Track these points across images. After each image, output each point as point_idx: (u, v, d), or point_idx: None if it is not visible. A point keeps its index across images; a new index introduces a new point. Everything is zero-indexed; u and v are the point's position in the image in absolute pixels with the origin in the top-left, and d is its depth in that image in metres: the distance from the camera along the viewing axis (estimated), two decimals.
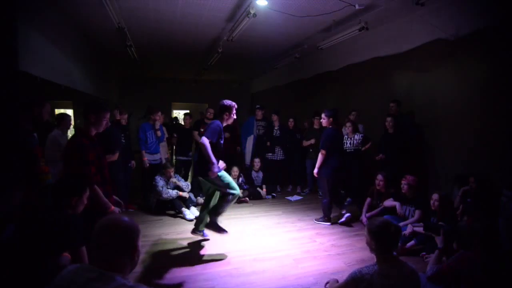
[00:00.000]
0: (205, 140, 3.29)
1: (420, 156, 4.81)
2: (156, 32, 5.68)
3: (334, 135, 4.48)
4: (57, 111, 8.00)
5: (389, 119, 4.80)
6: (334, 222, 4.57)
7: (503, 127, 3.70)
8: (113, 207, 2.40)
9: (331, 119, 4.47)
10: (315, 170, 4.55)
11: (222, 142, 3.56)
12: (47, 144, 3.72)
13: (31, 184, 2.52)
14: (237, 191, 3.57)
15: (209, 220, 3.63)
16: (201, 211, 3.82)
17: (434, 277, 2.21)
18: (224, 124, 3.57)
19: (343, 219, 4.50)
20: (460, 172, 4.03)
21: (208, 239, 3.85)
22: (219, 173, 3.45)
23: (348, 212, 4.53)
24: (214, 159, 3.31)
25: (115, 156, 4.16)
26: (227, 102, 3.56)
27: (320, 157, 4.45)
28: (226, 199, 3.54)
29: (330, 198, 4.52)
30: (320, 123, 6.13)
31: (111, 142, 4.06)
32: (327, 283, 2.28)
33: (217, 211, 3.60)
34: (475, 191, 3.58)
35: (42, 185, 2.60)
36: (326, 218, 4.57)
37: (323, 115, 4.55)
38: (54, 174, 3.26)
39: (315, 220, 4.65)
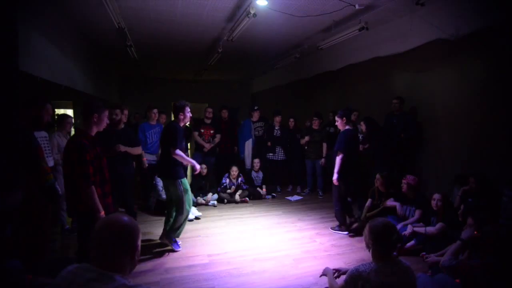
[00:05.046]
0: (177, 152, 3.44)
1: (420, 155, 4.82)
2: (156, 32, 5.68)
3: (350, 136, 4.17)
4: (57, 111, 7.99)
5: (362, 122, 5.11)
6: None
7: (503, 127, 3.70)
8: (103, 212, 2.38)
9: (344, 119, 4.14)
10: (335, 176, 4.11)
11: (184, 143, 3.70)
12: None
13: (33, 184, 2.52)
14: (189, 207, 3.64)
15: (166, 231, 3.69)
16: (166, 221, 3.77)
17: (450, 269, 2.22)
18: (182, 124, 3.65)
19: (336, 232, 4.26)
20: (460, 172, 4.03)
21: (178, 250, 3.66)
22: (182, 179, 3.57)
23: (346, 231, 4.22)
24: (193, 161, 3.62)
25: (139, 150, 4.31)
26: (181, 102, 3.64)
27: (338, 161, 4.08)
28: (180, 212, 3.58)
29: (342, 204, 4.24)
30: (319, 124, 6.16)
31: (130, 137, 4.19)
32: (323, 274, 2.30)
33: (173, 226, 3.63)
34: (475, 191, 3.57)
35: (44, 184, 2.59)
36: (343, 226, 4.26)
37: (336, 117, 4.24)
38: (55, 175, 3.27)
39: (331, 228, 4.35)
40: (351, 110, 4.39)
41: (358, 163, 4.96)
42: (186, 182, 3.66)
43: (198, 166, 3.65)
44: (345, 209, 4.30)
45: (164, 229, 3.74)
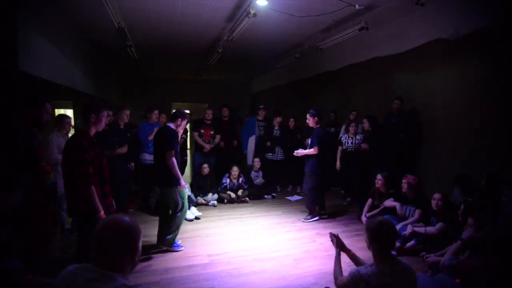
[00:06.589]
0: (173, 160, 3.37)
1: (420, 155, 4.81)
2: (156, 32, 5.68)
3: (322, 133, 4.67)
4: (57, 111, 7.99)
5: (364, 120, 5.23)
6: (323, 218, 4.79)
7: (503, 127, 3.69)
8: (102, 212, 2.38)
9: (316, 118, 4.66)
10: (298, 153, 4.76)
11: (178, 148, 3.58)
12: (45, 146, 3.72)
13: (33, 184, 2.52)
14: (185, 210, 3.63)
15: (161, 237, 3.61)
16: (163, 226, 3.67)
17: (450, 269, 2.22)
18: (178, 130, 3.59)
19: (309, 221, 4.66)
20: (460, 172, 4.02)
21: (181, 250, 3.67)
22: (179, 188, 3.52)
23: (317, 216, 4.72)
24: (180, 175, 3.45)
25: (125, 148, 4.49)
26: (183, 111, 3.66)
27: (311, 151, 4.62)
28: (175, 216, 3.55)
29: (315, 194, 4.69)
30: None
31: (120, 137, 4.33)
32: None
33: (169, 229, 3.57)
34: (482, 191, 3.53)
35: (44, 184, 2.59)
36: (314, 213, 4.69)
37: (308, 116, 4.74)
38: (54, 175, 3.26)
39: (303, 220, 4.70)
40: (321, 110, 4.92)
41: (363, 163, 5.22)
42: (184, 191, 3.60)
43: (183, 183, 3.52)
44: (317, 199, 4.75)
45: (158, 235, 3.65)
